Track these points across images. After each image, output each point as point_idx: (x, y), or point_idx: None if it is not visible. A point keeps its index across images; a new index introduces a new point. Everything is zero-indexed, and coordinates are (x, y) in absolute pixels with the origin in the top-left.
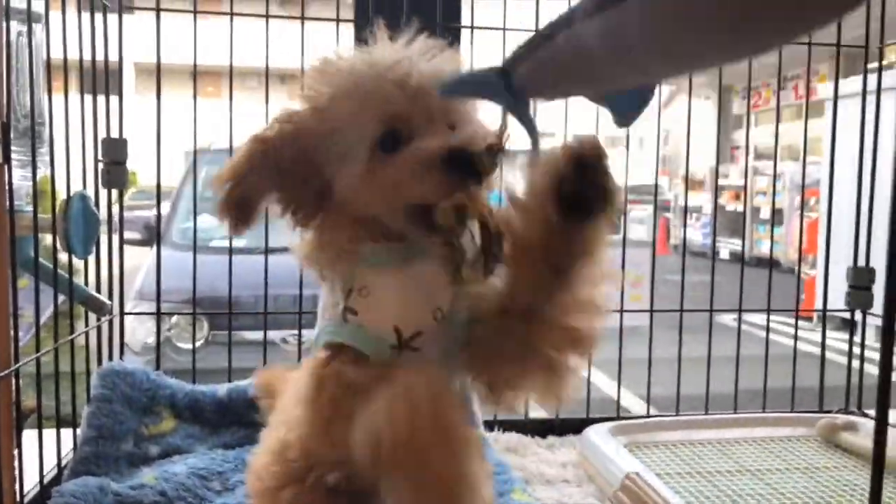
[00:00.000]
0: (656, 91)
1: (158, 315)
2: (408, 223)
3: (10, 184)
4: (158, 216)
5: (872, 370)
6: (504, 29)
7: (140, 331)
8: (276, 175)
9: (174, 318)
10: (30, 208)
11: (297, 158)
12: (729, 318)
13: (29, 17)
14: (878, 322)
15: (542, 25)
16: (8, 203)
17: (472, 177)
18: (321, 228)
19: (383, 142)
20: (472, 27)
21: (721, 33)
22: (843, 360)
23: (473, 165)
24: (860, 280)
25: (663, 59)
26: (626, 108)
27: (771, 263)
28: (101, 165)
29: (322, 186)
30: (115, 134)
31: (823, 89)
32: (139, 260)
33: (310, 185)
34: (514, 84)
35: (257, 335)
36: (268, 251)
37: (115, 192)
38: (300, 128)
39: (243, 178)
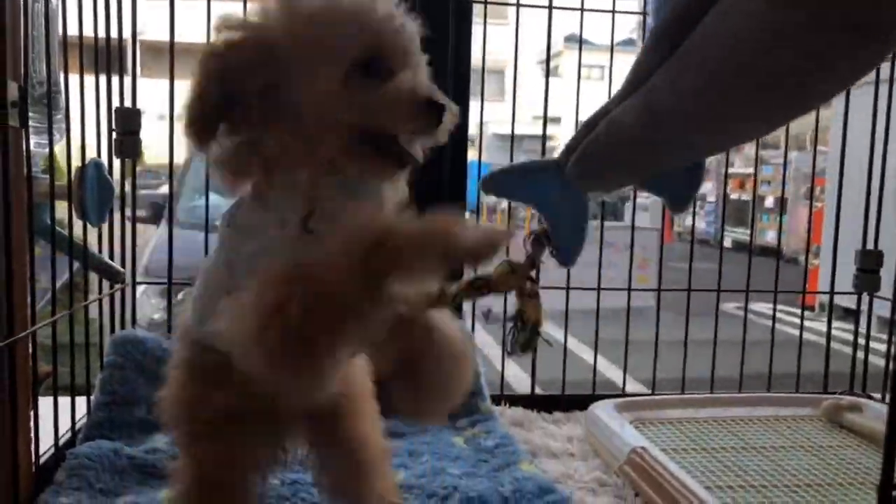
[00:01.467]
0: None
1: (170, 285)
2: (362, 148)
3: (28, 150)
4: (171, 189)
5: (876, 357)
6: (518, 5)
7: (146, 307)
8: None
9: (180, 296)
10: (45, 175)
11: (257, 73)
12: (733, 307)
13: None
14: (882, 309)
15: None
16: (26, 169)
17: (438, 125)
18: (267, 141)
19: (364, 66)
20: (485, 1)
21: (741, 103)
22: (846, 348)
23: (441, 116)
24: (868, 263)
25: (694, 125)
26: (678, 191)
27: (779, 251)
28: (114, 136)
29: (271, 102)
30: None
31: None
32: (145, 238)
33: (263, 100)
34: (567, 176)
35: None
36: None
37: (127, 165)
38: (263, 39)
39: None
